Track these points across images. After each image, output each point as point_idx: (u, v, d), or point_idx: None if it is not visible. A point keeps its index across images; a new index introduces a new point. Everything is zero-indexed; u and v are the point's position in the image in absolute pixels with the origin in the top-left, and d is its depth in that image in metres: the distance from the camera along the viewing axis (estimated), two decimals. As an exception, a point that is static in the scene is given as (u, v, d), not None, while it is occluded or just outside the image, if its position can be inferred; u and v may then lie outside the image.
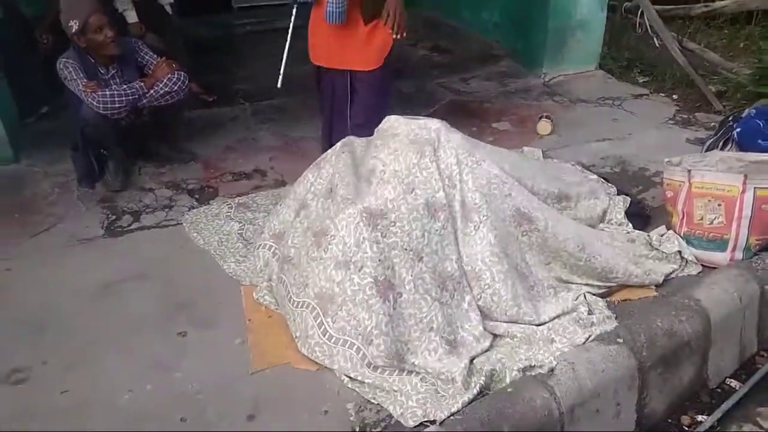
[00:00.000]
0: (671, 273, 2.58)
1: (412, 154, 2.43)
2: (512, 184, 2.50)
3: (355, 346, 2.15)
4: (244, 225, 2.97)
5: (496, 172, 2.48)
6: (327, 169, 2.60)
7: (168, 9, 4.20)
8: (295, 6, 2.94)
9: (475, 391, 2.01)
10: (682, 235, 2.67)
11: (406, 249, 2.27)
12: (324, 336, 2.20)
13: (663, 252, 2.61)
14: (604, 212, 2.82)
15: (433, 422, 1.93)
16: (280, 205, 2.79)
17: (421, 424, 1.95)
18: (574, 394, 2.01)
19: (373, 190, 2.38)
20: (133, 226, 3.05)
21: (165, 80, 3.28)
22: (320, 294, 2.25)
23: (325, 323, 2.21)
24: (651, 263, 2.59)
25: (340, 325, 2.19)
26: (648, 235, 2.72)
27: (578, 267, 2.48)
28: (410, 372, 2.12)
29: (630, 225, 2.81)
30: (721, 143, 3.14)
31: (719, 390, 2.44)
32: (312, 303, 2.27)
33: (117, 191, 3.32)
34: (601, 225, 2.80)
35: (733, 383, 2.46)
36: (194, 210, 3.14)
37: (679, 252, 2.61)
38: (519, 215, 2.45)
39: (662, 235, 2.71)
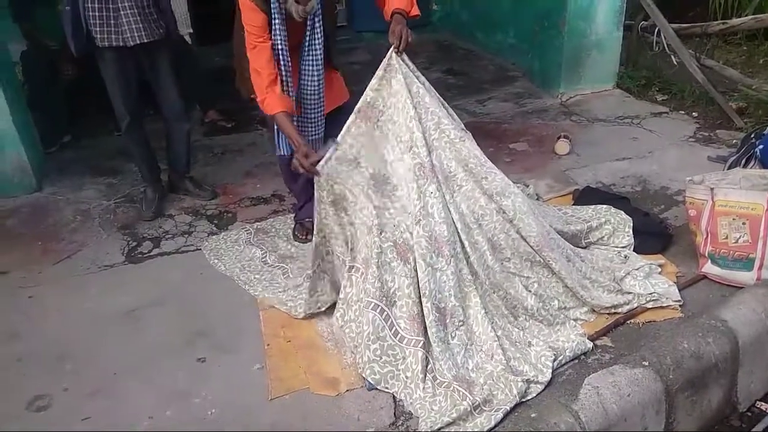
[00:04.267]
0: (616, 306, 2.47)
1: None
2: (489, 168, 2.48)
3: (379, 308, 2.19)
4: (266, 251, 2.96)
5: (475, 153, 2.48)
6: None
7: (188, 38, 4.27)
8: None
9: (506, 408, 2.01)
10: (706, 254, 2.62)
11: (408, 213, 2.31)
12: (359, 297, 2.29)
13: (616, 285, 2.53)
14: (575, 234, 2.76)
15: None
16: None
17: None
18: (600, 419, 1.96)
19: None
20: (153, 253, 3.07)
21: None
22: (365, 259, 2.33)
23: (363, 287, 2.30)
24: (597, 292, 2.49)
25: (367, 287, 2.24)
26: (627, 266, 2.63)
27: (533, 262, 2.46)
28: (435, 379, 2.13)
29: (630, 249, 2.76)
30: (743, 160, 3.10)
31: (749, 413, 2.38)
32: (361, 267, 2.35)
33: (148, 220, 3.34)
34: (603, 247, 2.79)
35: (764, 406, 2.40)
36: (213, 237, 3.15)
37: (654, 293, 2.51)
38: (488, 197, 2.44)
39: (649, 268, 2.63)
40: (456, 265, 2.30)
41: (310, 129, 2.74)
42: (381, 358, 2.17)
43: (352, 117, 2.44)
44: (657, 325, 2.41)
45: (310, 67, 2.60)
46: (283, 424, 2.05)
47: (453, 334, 2.23)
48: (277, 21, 2.45)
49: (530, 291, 2.43)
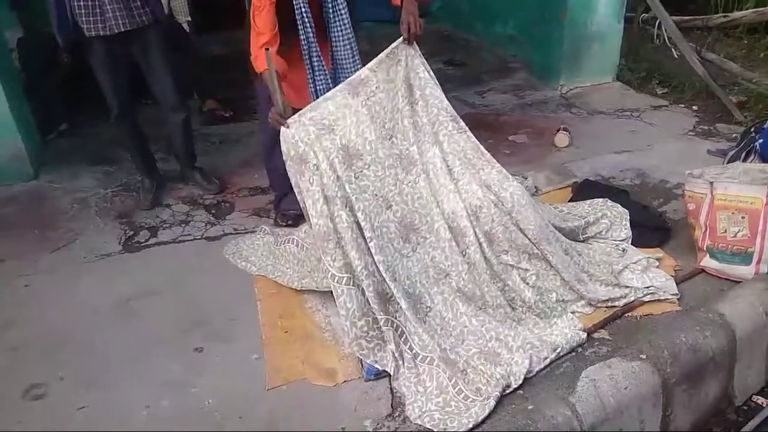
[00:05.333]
0: (612, 299, 2.46)
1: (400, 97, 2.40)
2: (487, 160, 2.47)
3: (353, 282, 2.20)
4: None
5: (472, 144, 2.48)
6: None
7: (186, 27, 4.24)
8: None
9: (497, 393, 2.01)
10: (705, 248, 2.62)
11: (376, 195, 2.31)
12: (327, 275, 2.25)
13: (614, 279, 2.52)
14: (572, 230, 2.74)
15: None
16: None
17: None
18: (597, 411, 1.97)
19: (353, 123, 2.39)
20: (150, 242, 3.06)
21: None
22: (318, 232, 2.25)
23: (326, 263, 2.23)
24: (594, 286, 2.49)
25: (340, 264, 2.21)
26: (625, 259, 2.63)
27: (531, 254, 2.45)
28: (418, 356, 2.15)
29: (628, 242, 2.76)
30: (743, 154, 3.09)
31: (745, 407, 2.39)
32: (305, 238, 2.42)
33: (145, 209, 3.33)
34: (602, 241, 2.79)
35: (760, 400, 2.41)
36: (232, 242, 3.00)
37: (651, 287, 2.50)
38: (487, 189, 2.43)
39: (647, 262, 2.63)
40: (424, 251, 2.32)
41: None
42: (368, 333, 2.18)
43: (340, 86, 2.42)
44: (655, 318, 2.41)
45: (340, 34, 2.60)
46: (281, 414, 2.05)
47: (424, 320, 2.24)
48: None
49: (528, 283, 2.43)
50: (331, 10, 2.58)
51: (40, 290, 2.74)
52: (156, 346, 2.37)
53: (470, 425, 1.94)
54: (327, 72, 2.67)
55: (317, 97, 2.56)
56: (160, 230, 3.16)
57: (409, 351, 2.17)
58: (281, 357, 2.29)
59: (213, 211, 3.32)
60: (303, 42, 2.57)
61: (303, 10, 2.52)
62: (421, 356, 2.15)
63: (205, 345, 2.37)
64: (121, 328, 2.48)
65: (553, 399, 1.99)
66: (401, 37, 2.37)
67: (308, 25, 2.55)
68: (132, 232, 3.14)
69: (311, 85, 2.66)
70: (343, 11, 2.58)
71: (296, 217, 3.09)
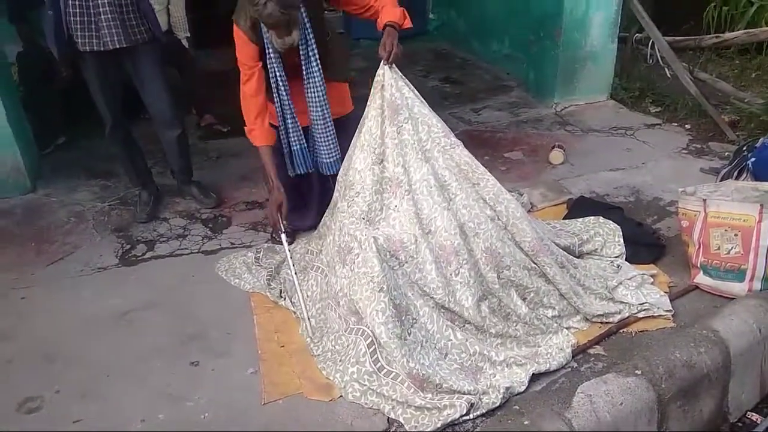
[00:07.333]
0: (607, 314, 2.47)
1: (387, 122, 2.45)
2: (481, 174, 2.51)
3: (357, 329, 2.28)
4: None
5: (466, 158, 2.51)
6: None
7: (185, 43, 4.27)
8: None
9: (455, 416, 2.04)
10: (698, 265, 2.64)
11: (363, 219, 2.41)
12: (322, 297, 2.49)
13: (608, 293, 2.55)
14: (567, 247, 2.75)
15: None
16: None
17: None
18: (592, 427, 1.97)
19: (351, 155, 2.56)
20: (147, 255, 3.07)
21: None
22: (328, 262, 2.51)
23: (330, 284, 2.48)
24: (589, 299, 2.52)
25: (337, 288, 2.39)
26: (620, 276, 2.65)
27: (530, 269, 2.46)
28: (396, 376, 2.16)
29: (622, 258, 2.78)
30: (735, 173, 3.13)
31: (740, 424, 2.40)
32: (324, 268, 2.54)
33: (142, 223, 3.34)
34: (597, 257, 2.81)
35: (755, 417, 2.42)
36: (224, 259, 2.99)
37: (645, 303, 2.52)
38: (483, 203, 2.47)
39: (641, 278, 2.65)
40: (410, 270, 2.34)
41: (323, 153, 2.84)
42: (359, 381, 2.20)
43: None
44: (649, 334, 2.43)
45: (313, 94, 2.70)
46: (277, 429, 2.05)
47: (409, 331, 2.24)
48: (270, 49, 2.58)
49: (525, 299, 2.44)
50: (304, 73, 2.66)
51: (36, 303, 2.74)
52: (152, 360, 2.37)
53: (438, 424, 1.99)
54: (300, 130, 2.81)
55: (292, 162, 2.88)
56: (157, 244, 3.16)
57: (372, 364, 2.17)
58: (277, 371, 2.29)
59: (210, 225, 3.33)
60: (277, 106, 2.72)
61: (277, 74, 2.65)
62: (386, 370, 2.16)
63: (201, 359, 2.37)
64: (117, 342, 2.48)
65: (549, 414, 1.99)
66: (382, 61, 2.42)
67: (282, 88, 2.68)
68: (129, 246, 3.15)
69: (286, 147, 2.84)
70: (316, 75, 2.66)
71: (293, 233, 3.10)
